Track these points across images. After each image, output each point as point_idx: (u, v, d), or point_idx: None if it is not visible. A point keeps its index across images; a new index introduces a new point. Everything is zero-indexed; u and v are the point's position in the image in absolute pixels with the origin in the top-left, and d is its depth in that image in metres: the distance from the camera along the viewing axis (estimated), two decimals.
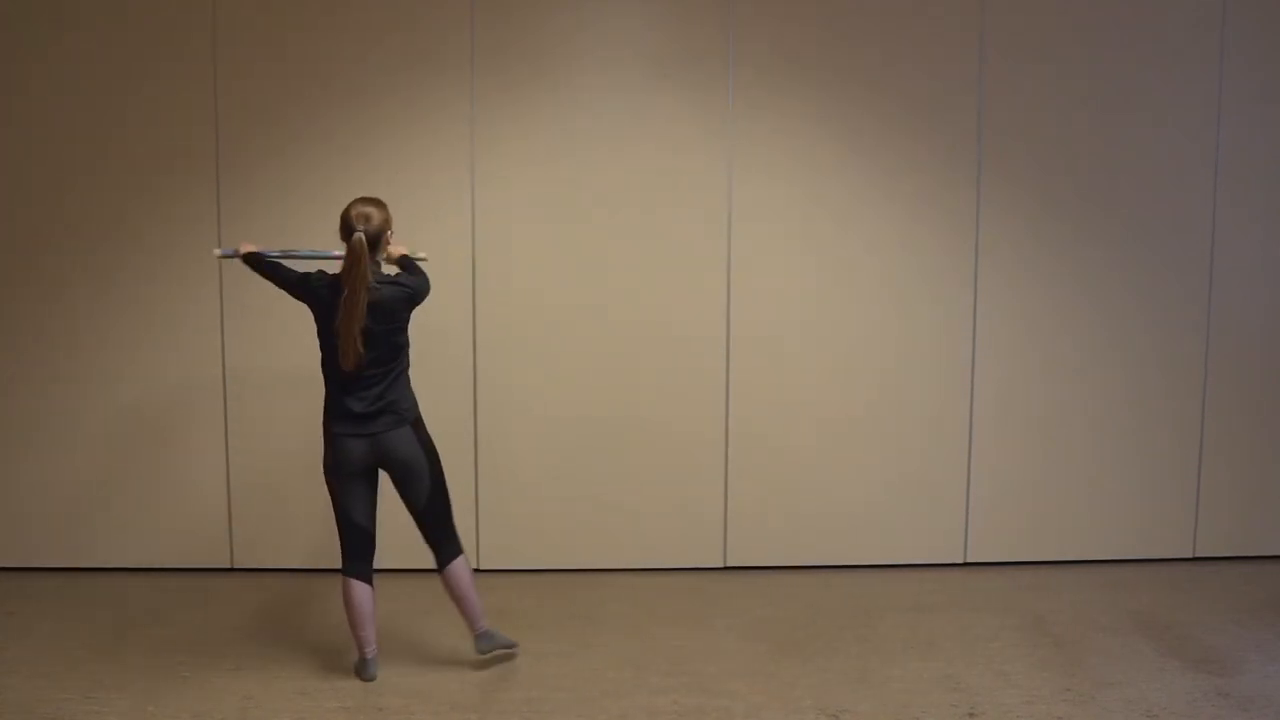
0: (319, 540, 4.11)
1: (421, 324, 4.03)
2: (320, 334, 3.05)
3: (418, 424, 3.15)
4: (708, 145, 4.03)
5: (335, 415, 3.06)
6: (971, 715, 2.96)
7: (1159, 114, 4.09)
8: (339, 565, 4.08)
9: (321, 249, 3.25)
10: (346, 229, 2.93)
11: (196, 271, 4.01)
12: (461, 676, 3.20)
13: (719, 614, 3.72)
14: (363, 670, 3.16)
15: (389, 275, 3.06)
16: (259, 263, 3.14)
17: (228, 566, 4.13)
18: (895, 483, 4.18)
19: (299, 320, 4.01)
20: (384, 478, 3.16)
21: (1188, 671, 3.23)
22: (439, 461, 3.17)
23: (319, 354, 3.06)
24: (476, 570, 4.12)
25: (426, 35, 3.96)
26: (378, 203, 3.01)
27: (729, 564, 4.18)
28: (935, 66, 4.04)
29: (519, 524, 4.14)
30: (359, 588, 3.11)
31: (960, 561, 4.23)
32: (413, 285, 3.07)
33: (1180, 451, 4.23)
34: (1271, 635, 3.52)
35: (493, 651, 3.24)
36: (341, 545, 3.14)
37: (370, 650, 3.16)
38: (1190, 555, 4.26)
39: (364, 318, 2.92)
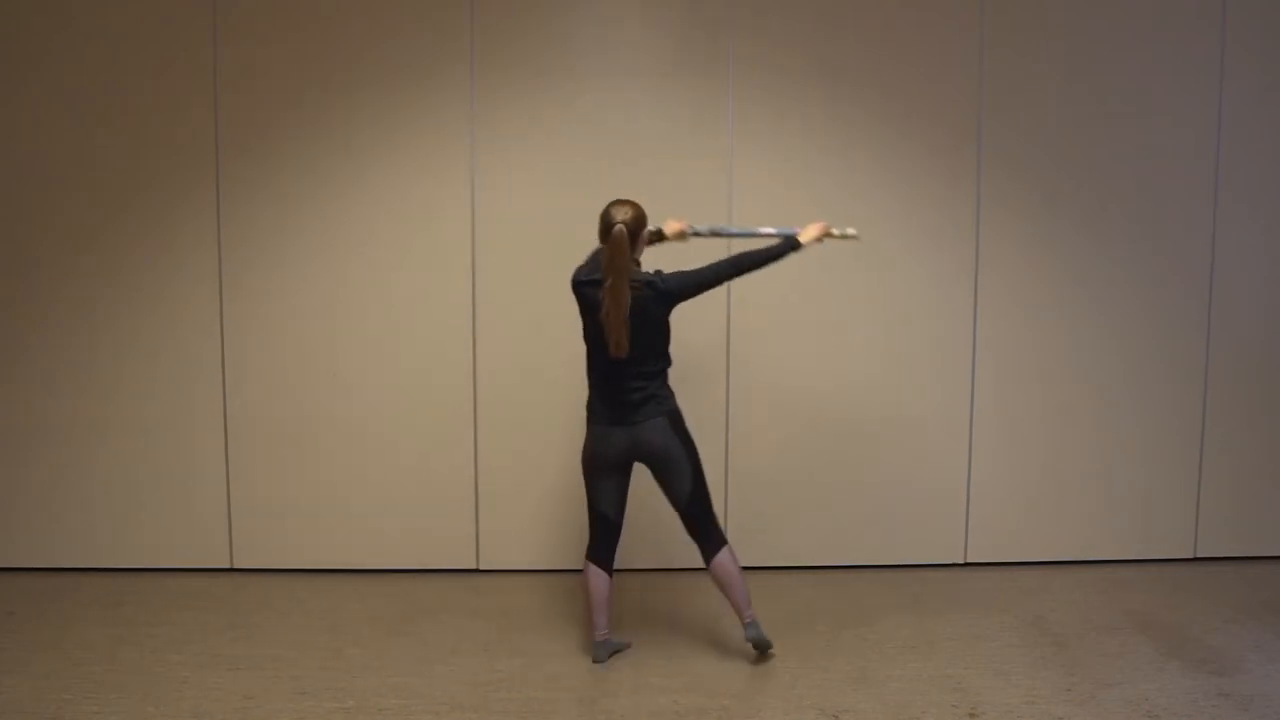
0: (319, 540, 4.11)
1: (420, 323, 4.06)
2: (585, 330, 3.18)
3: (675, 418, 3.22)
4: (708, 146, 4.02)
5: (598, 408, 3.20)
6: (971, 715, 2.96)
7: (1159, 113, 4.09)
8: (337, 565, 4.11)
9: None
10: (606, 225, 3.09)
11: (196, 270, 4.01)
12: (461, 677, 3.20)
13: (719, 614, 3.72)
14: (594, 650, 3.30)
15: (643, 274, 3.13)
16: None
17: (228, 566, 4.13)
18: (895, 483, 4.18)
19: (299, 320, 4.03)
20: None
21: (1188, 671, 3.23)
22: (698, 457, 3.24)
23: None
24: (476, 570, 4.14)
25: (426, 35, 3.96)
26: (633, 202, 3.16)
27: None
28: (935, 66, 4.04)
29: (519, 524, 4.14)
30: (596, 574, 3.27)
31: (960, 561, 4.23)
32: (662, 286, 3.10)
33: (1180, 451, 4.22)
34: (1271, 635, 3.52)
35: (758, 646, 3.27)
36: (589, 532, 3.30)
37: (601, 633, 3.29)
38: (1190, 555, 4.26)
39: (628, 306, 3.03)
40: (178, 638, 3.47)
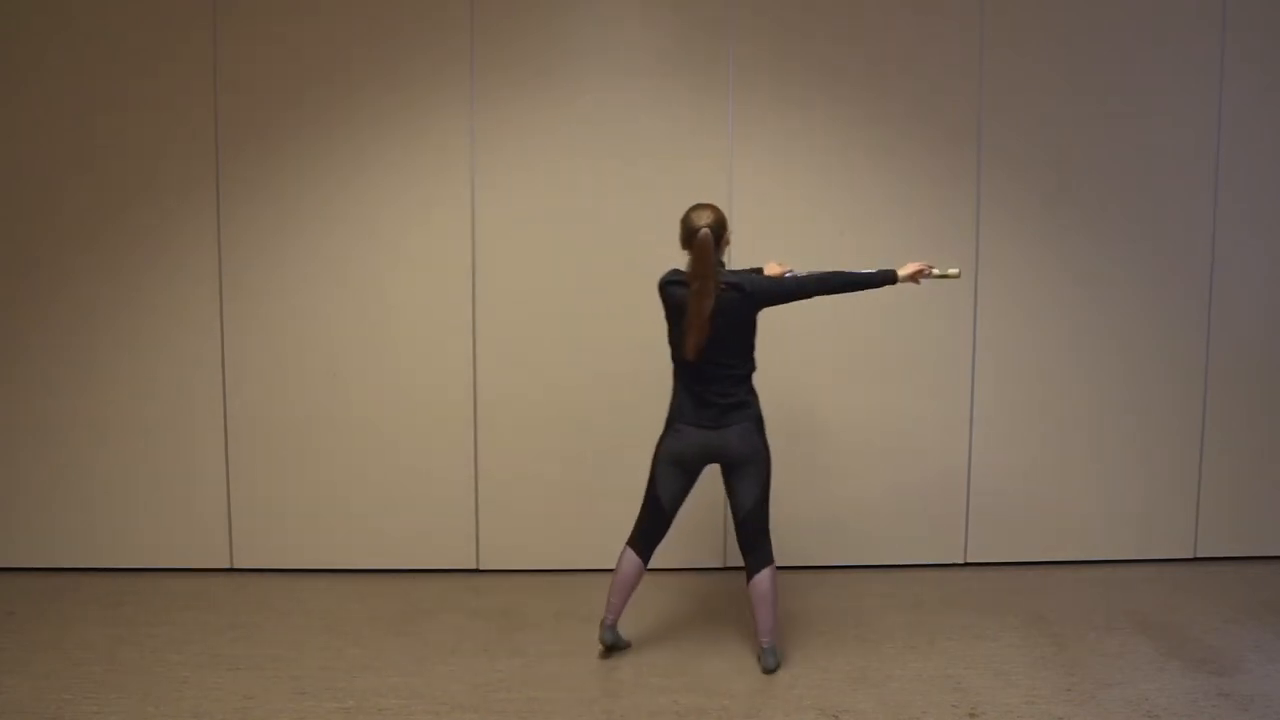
0: (319, 540, 4.11)
1: (420, 323, 4.06)
2: (670, 331, 3.18)
3: (760, 424, 3.22)
4: (708, 146, 4.02)
5: (684, 407, 3.19)
6: (972, 715, 2.96)
7: (1159, 113, 4.09)
8: (337, 565, 4.11)
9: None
10: (689, 229, 3.10)
11: (196, 270, 4.01)
12: (461, 677, 3.20)
13: (719, 614, 3.72)
14: (602, 632, 3.32)
15: (730, 275, 3.13)
16: None
17: (228, 566, 4.13)
18: (895, 483, 4.18)
19: (299, 320, 4.03)
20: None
21: (1188, 671, 3.23)
22: (770, 468, 3.23)
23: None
24: (476, 570, 4.14)
25: (426, 35, 3.96)
26: (713, 205, 3.17)
27: (729, 564, 4.17)
28: (935, 66, 4.04)
29: (519, 524, 4.14)
30: (632, 558, 3.29)
31: (960, 561, 4.23)
32: (749, 288, 3.11)
33: (1180, 451, 4.22)
34: (1271, 635, 3.52)
35: (764, 667, 3.23)
36: (638, 518, 3.31)
37: (612, 617, 3.31)
38: (1190, 555, 4.26)
39: (710, 310, 3.03)
40: (178, 638, 3.47)
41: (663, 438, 3.25)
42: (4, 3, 3.91)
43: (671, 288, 3.14)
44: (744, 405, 3.18)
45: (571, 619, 3.66)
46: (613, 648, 3.34)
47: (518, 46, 3.98)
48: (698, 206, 3.16)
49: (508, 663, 3.30)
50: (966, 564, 4.23)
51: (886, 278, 3.21)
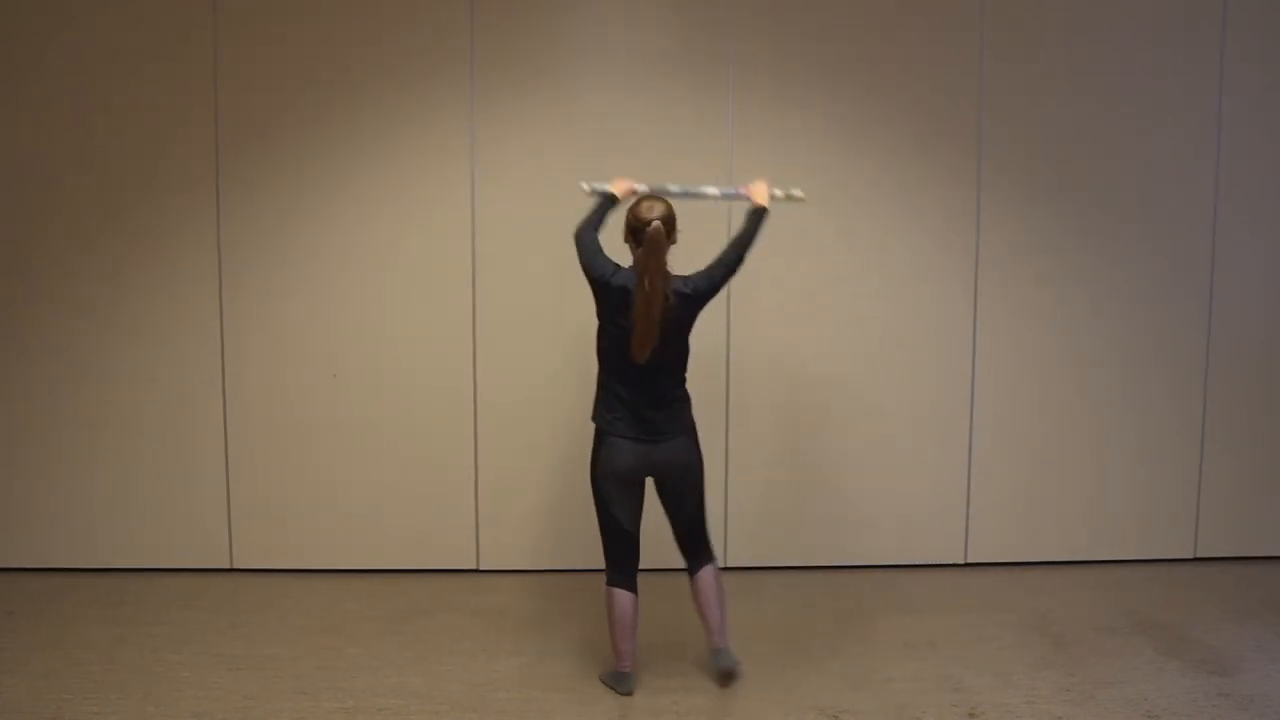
0: (319, 540, 4.11)
1: (420, 323, 4.06)
2: (604, 329, 2.99)
3: (694, 432, 3.09)
4: (708, 146, 4.02)
5: (615, 417, 2.98)
6: (971, 715, 2.96)
7: (1159, 113, 4.09)
8: (337, 565, 4.11)
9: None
10: (640, 222, 2.91)
11: (196, 269, 4.01)
12: (460, 676, 3.20)
13: None
14: (620, 684, 3.08)
15: (675, 275, 2.95)
16: (602, 215, 3.07)
17: (228, 567, 4.13)
18: (895, 483, 4.18)
19: (300, 320, 4.03)
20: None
21: (1188, 671, 3.23)
22: (703, 472, 3.11)
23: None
24: (476, 570, 4.14)
25: (426, 34, 3.96)
26: (664, 200, 3.00)
27: (729, 564, 4.17)
28: (935, 68, 4.04)
29: (519, 524, 4.14)
30: (623, 597, 3.04)
31: (960, 562, 4.23)
32: (689, 290, 2.95)
33: (1180, 452, 4.22)
34: (1271, 635, 3.52)
35: (724, 669, 3.11)
36: (606, 553, 3.07)
37: (627, 664, 3.07)
38: (1190, 555, 4.26)
39: (660, 312, 2.85)
40: (177, 637, 3.47)
41: (596, 453, 3.03)
42: (4, 3, 3.91)
43: (615, 282, 2.92)
44: (679, 416, 3.02)
45: (571, 619, 3.66)
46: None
47: (518, 46, 3.98)
48: (648, 198, 2.98)
49: (507, 663, 3.30)
50: (966, 564, 4.23)
51: (762, 214, 3.06)
